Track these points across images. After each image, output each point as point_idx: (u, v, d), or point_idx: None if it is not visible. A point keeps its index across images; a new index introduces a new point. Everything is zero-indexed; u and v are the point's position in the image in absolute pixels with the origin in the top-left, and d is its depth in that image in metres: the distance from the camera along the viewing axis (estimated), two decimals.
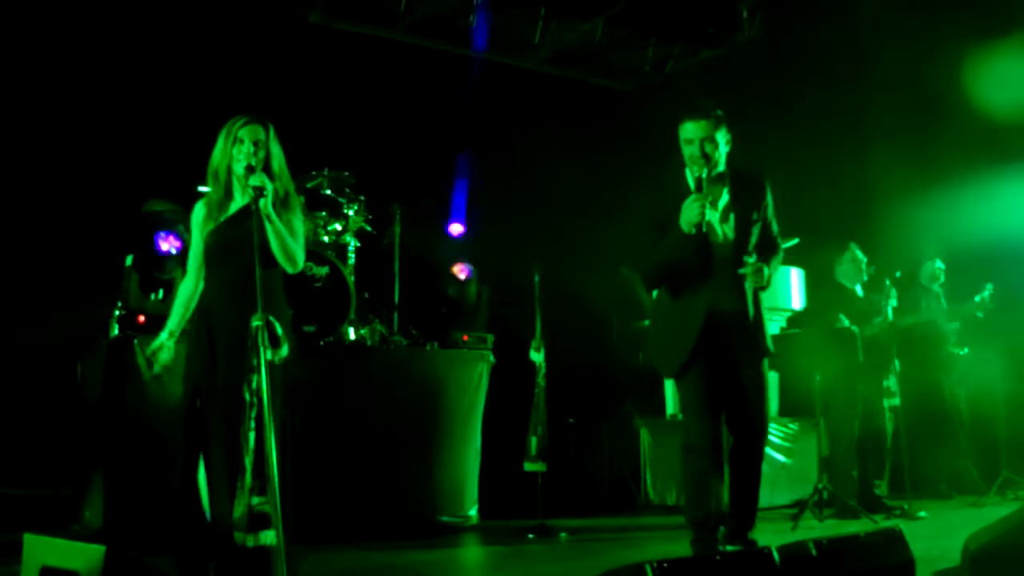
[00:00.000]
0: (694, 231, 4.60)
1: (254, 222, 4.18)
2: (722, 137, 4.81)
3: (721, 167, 4.84)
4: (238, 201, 4.46)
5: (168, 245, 6.21)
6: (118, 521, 5.66)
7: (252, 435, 4.06)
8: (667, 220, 4.74)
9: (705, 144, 4.73)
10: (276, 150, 4.44)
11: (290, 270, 4.44)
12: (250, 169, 4.32)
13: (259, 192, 4.21)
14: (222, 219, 4.44)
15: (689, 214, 4.60)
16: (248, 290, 4.06)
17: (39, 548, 3.39)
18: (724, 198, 4.84)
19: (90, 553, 3.19)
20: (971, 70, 8.30)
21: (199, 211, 4.51)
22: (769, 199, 4.99)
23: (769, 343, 4.98)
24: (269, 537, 4.07)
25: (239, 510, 4.08)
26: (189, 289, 4.54)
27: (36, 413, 7.20)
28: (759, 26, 10.48)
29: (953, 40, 8.62)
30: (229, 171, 4.44)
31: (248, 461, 4.06)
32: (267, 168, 4.37)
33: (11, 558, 3.59)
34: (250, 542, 4.08)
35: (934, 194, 8.41)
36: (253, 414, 4.09)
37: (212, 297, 4.46)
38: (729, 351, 4.83)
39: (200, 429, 4.35)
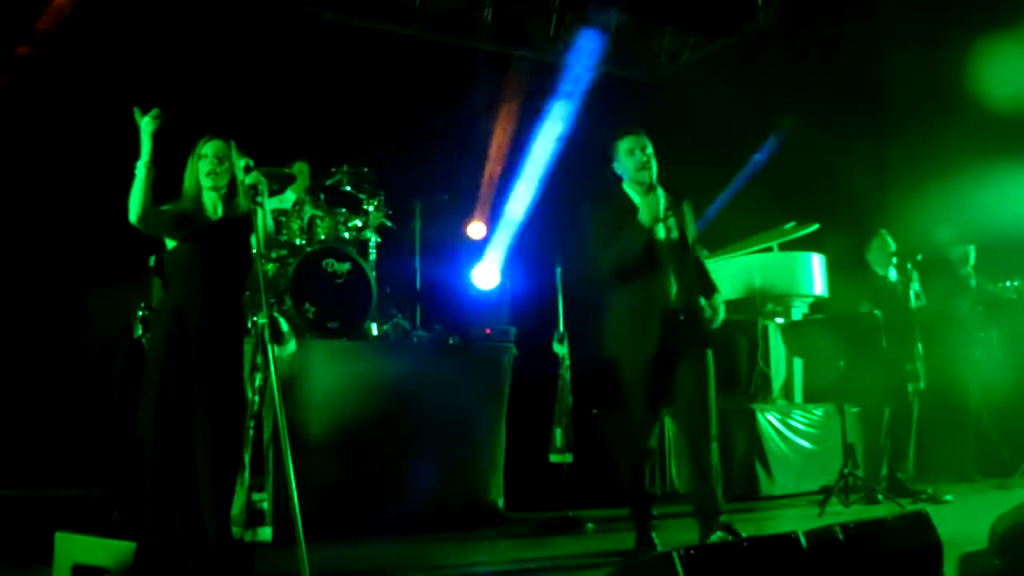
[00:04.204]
0: (652, 225, 5.08)
1: (256, 218, 4.31)
2: (651, 151, 5.27)
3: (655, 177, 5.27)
4: (208, 216, 4.55)
5: None
6: (145, 520, 5.70)
7: (252, 432, 4.15)
8: (614, 226, 5.19)
9: (646, 151, 5.25)
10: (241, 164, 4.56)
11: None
12: (246, 169, 4.46)
13: (255, 190, 4.35)
14: (195, 230, 4.51)
15: (652, 207, 5.10)
16: (220, 297, 4.43)
17: (70, 546, 3.43)
18: (663, 203, 5.24)
19: (121, 550, 3.23)
20: (988, 59, 8.25)
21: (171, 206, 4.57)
22: (690, 212, 5.40)
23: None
24: (265, 534, 4.14)
25: (237, 506, 4.16)
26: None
27: (66, 414, 7.24)
28: (774, 14, 10.43)
29: (970, 29, 8.57)
30: (198, 187, 4.57)
31: (247, 457, 4.16)
32: (232, 182, 4.55)
33: (43, 557, 3.63)
34: (247, 537, 4.15)
35: (950, 180, 8.37)
36: (254, 411, 4.20)
37: (184, 301, 4.50)
38: (676, 343, 5.14)
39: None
